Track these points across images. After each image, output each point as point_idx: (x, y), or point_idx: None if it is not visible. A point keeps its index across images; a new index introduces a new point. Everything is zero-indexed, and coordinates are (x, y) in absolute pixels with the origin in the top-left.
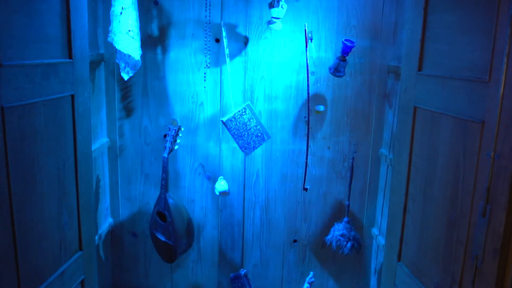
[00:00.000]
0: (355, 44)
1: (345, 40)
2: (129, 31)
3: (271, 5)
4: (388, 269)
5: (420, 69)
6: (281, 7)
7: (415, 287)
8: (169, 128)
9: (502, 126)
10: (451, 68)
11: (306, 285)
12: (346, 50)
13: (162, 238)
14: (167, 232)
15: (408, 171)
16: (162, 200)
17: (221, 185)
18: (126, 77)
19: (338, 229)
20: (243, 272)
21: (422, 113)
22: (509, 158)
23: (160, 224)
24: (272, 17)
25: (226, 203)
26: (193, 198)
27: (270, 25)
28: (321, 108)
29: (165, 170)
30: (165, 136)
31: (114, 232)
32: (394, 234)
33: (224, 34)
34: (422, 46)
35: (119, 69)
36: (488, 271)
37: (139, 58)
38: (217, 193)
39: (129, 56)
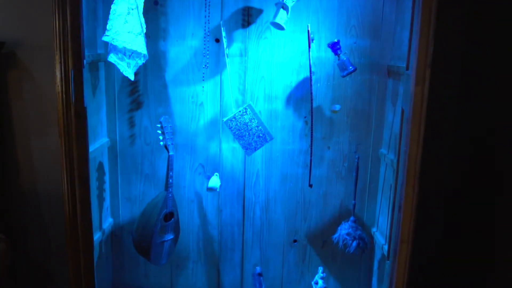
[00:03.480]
0: (338, 40)
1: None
2: (142, 31)
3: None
4: (386, 268)
5: (407, 68)
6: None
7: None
8: (164, 126)
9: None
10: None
11: (320, 282)
12: (332, 45)
13: (171, 236)
14: (176, 227)
15: (397, 171)
16: (170, 199)
17: (212, 181)
18: (132, 77)
19: (345, 228)
20: (257, 271)
21: (405, 112)
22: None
23: (167, 224)
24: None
25: (226, 203)
26: (193, 198)
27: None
28: (337, 107)
29: (172, 168)
30: (163, 133)
31: (114, 232)
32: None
33: (223, 34)
34: (409, 44)
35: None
36: None
37: (146, 52)
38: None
39: (131, 54)
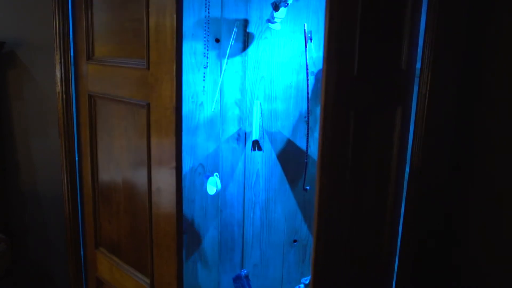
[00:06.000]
0: None
1: None
2: None
3: (275, 6)
4: None
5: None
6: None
7: None
8: None
9: None
10: None
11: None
12: None
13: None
14: None
15: None
16: None
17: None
18: None
19: None
20: (243, 273)
21: None
22: None
23: None
24: (275, 17)
25: (226, 203)
26: (193, 198)
27: (270, 25)
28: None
29: None
30: None
31: None
32: None
33: (233, 36)
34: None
35: None
36: None
37: None
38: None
39: None
